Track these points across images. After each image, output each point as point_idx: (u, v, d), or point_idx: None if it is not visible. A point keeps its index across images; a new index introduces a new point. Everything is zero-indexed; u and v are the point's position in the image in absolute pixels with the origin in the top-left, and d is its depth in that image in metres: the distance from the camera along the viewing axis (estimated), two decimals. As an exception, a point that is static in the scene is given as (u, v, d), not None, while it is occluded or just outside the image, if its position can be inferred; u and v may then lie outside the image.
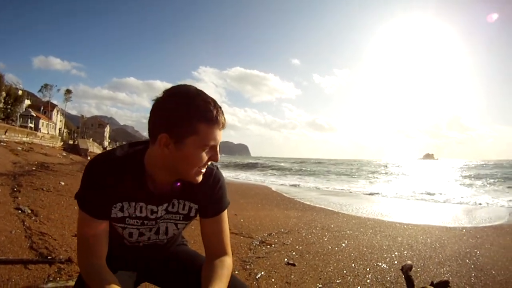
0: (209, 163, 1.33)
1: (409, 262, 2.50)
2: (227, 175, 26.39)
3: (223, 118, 1.20)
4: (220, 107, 1.21)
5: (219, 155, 1.26)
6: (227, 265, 1.42)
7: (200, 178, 1.28)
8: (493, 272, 4.17)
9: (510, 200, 12.58)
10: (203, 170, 1.28)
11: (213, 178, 1.44)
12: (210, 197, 1.44)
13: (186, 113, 1.13)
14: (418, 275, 3.91)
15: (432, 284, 2.25)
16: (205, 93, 1.20)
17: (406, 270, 2.34)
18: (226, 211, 1.51)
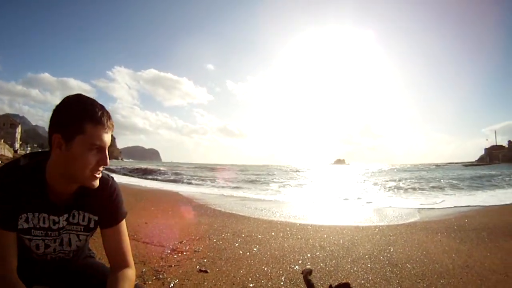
0: (106, 174, 1.58)
1: (308, 266, 2.47)
2: (137, 181, 25.21)
3: (109, 121, 1.37)
4: (107, 112, 1.38)
5: (108, 159, 1.38)
6: (129, 277, 1.54)
7: (96, 183, 1.40)
8: (408, 265, 4.44)
9: (422, 203, 13.61)
10: (98, 175, 1.40)
11: (109, 189, 1.59)
12: (107, 207, 1.58)
13: (74, 114, 1.30)
14: (332, 274, 4.07)
15: (330, 287, 2.22)
16: (94, 100, 1.38)
17: (305, 274, 2.34)
18: (124, 221, 1.65)
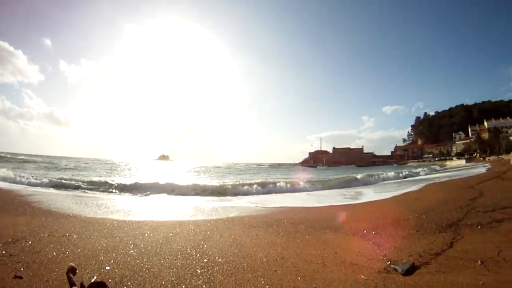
0: None
1: (72, 264, 2.51)
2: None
3: None
4: None
5: None
6: None
7: None
8: (220, 260, 4.76)
9: (241, 200, 14.61)
10: None
11: None
12: None
13: None
14: (143, 272, 4.19)
15: (81, 286, 2.28)
16: None
17: (67, 272, 2.39)
18: None
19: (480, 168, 37.72)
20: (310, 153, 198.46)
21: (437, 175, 34.56)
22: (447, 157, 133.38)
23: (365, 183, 26.43)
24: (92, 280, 3.70)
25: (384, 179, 29.42)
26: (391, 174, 33.69)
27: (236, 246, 5.54)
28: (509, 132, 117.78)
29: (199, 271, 4.24)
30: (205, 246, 5.52)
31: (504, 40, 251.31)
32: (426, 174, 37.63)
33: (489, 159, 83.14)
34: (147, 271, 4.21)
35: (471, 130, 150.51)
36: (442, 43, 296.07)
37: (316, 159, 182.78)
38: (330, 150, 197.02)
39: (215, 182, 22.98)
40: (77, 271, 2.47)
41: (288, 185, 20.68)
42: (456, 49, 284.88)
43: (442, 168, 60.41)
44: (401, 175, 35.15)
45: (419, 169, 46.77)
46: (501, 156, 76.42)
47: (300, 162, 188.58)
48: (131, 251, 5.09)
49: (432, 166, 65.37)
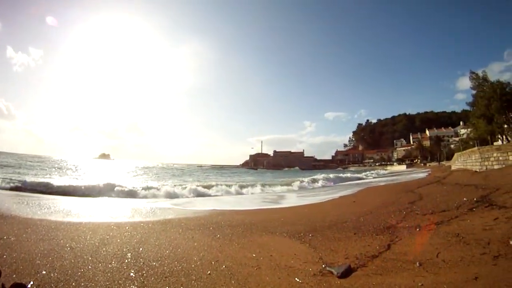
0: None
1: None
2: None
3: None
4: None
5: None
6: None
7: None
8: (155, 264, 4.81)
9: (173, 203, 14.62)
10: None
11: None
12: None
13: None
14: (78, 277, 4.17)
15: (2, 287, 2.31)
16: None
17: None
18: None
19: (421, 173, 39.49)
20: (251, 156, 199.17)
21: (378, 179, 35.92)
22: (388, 163, 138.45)
23: (323, 185, 27.96)
24: (29, 285, 3.80)
25: (335, 182, 30.76)
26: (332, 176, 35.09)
27: (172, 249, 5.61)
28: (450, 140, 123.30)
29: (133, 275, 4.29)
30: (141, 249, 5.56)
31: (451, 54, 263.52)
32: (373, 178, 39.23)
33: (429, 165, 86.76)
34: (81, 275, 4.20)
35: (413, 138, 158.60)
36: (390, 54, 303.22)
37: (257, 162, 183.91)
38: (270, 153, 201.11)
39: (154, 184, 22.78)
40: (1, 273, 2.43)
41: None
42: (403, 60, 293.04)
43: (386, 172, 62.76)
44: (343, 176, 36.59)
45: (363, 173, 48.37)
46: (442, 163, 79.53)
47: (240, 164, 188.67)
48: (67, 255, 5.03)
49: (380, 171, 67.64)
